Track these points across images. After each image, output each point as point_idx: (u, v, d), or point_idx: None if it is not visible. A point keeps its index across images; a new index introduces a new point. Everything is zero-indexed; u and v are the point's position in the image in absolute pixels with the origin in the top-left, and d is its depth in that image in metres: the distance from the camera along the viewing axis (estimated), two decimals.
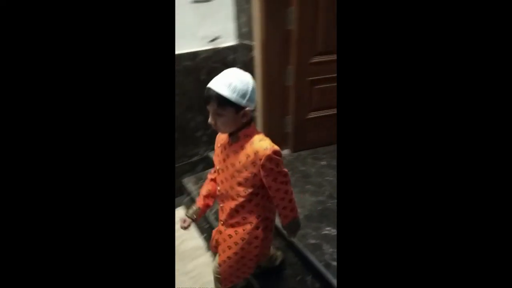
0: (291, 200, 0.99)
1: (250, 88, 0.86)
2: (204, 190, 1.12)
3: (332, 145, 2.10)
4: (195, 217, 1.11)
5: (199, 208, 1.11)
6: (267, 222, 1.05)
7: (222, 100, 0.85)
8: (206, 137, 2.10)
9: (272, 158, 0.88)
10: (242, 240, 1.02)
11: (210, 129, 1.57)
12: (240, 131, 0.93)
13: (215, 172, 1.08)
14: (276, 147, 0.89)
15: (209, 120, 0.92)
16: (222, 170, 1.01)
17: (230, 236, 1.04)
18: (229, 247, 1.05)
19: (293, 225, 1.05)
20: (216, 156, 1.05)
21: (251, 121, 0.93)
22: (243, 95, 0.85)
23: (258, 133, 0.93)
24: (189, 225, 1.10)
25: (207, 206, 1.13)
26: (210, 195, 1.12)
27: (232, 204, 1.00)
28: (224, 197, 1.04)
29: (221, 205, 1.08)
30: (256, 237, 1.02)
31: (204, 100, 0.89)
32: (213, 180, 1.11)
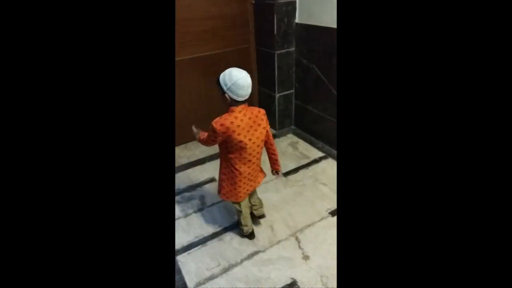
0: (199, 140, 1.47)
1: (230, 84, 1.23)
2: None
3: None
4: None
5: None
6: (230, 173, 1.46)
7: (217, 79, 1.28)
8: None
9: (212, 125, 1.30)
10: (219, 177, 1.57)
11: None
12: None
13: None
14: (217, 123, 1.28)
15: None
16: None
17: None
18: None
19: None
20: None
21: (233, 106, 1.29)
22: (225, 84, 1.25)
23: (229, 114, 1.30)
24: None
25: None
26: None
27: None
28: None
29: None
30: (221, 179, 1.51)
31: None
32: None
